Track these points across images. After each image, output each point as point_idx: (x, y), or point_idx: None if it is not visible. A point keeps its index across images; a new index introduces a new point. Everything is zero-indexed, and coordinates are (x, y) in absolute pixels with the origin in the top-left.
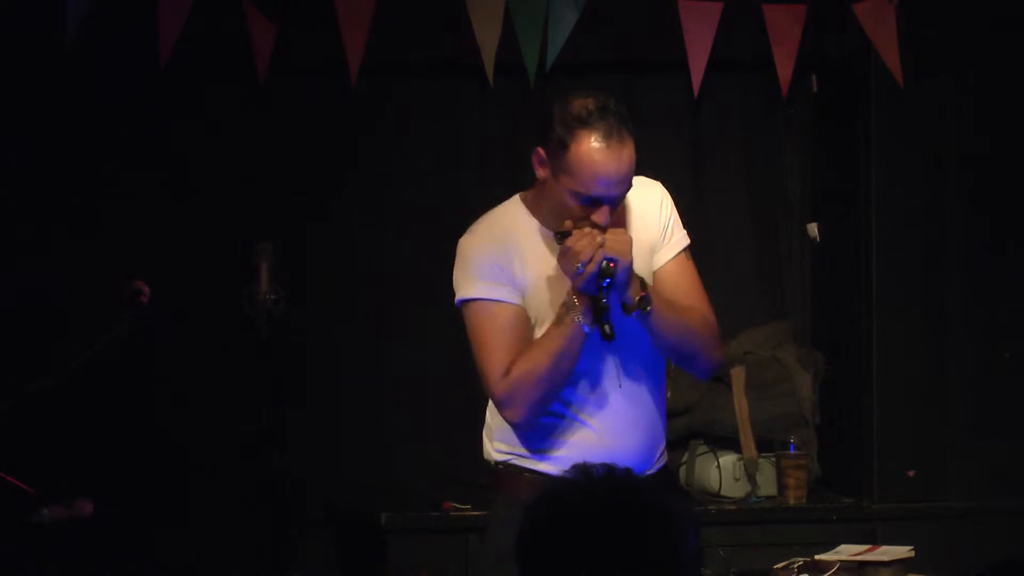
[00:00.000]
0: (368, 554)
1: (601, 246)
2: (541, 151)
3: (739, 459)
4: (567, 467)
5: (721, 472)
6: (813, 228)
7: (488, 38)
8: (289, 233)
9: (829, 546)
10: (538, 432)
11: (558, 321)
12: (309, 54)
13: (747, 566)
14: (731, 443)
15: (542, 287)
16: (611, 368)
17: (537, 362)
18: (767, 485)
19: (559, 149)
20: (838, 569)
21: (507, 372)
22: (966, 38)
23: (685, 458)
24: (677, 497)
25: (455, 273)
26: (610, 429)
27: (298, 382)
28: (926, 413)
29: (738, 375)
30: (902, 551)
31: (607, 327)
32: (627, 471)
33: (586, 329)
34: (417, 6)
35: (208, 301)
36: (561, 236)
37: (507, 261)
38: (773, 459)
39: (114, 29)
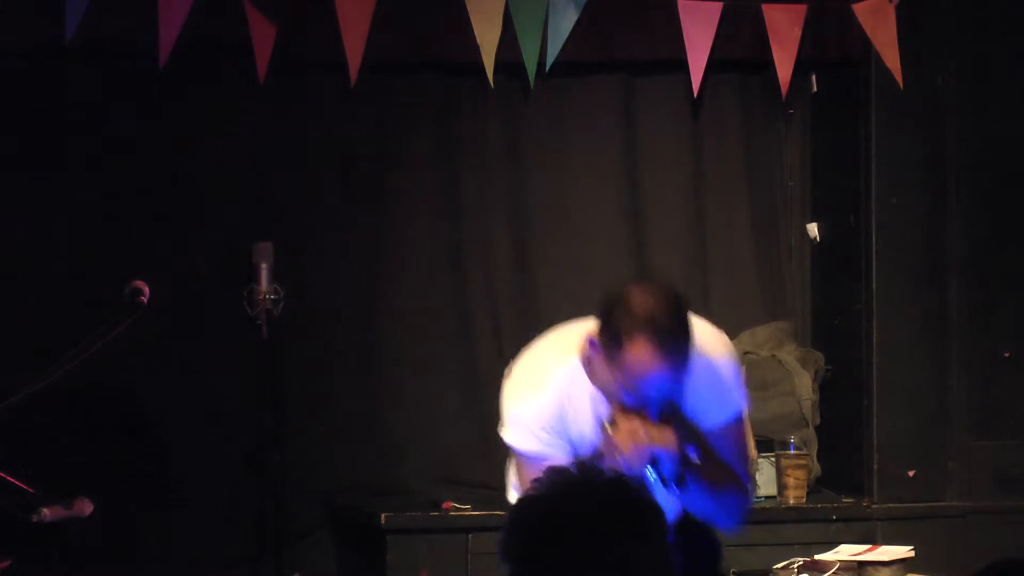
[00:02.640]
0: (368, 554)
1: (645, 442)
2: (596, 335)
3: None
4: None
5: None
6: (813, 228)
7: (488, 38)
8: (289, 233)
9: (829, 546)
10: None
11: None
12: (309, 54)
13: (747, 566)
14: None
15: (588, 440)
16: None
17: None
18: (767, 485)
19: (614, 343)
20: (838, 569)
21: None
22: (966, 38)
23: None
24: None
25: (504, 413)
26: None
27: (298, 382)
28: (926, 413)
29: None
30: (902, 551)
31: (670, 489)
32: (600, 469)
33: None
34: (417, 6)
35: (208, 301)
36: (608, 423)
37: (558, 423)
38: (773, 459)
39: (113, 29)
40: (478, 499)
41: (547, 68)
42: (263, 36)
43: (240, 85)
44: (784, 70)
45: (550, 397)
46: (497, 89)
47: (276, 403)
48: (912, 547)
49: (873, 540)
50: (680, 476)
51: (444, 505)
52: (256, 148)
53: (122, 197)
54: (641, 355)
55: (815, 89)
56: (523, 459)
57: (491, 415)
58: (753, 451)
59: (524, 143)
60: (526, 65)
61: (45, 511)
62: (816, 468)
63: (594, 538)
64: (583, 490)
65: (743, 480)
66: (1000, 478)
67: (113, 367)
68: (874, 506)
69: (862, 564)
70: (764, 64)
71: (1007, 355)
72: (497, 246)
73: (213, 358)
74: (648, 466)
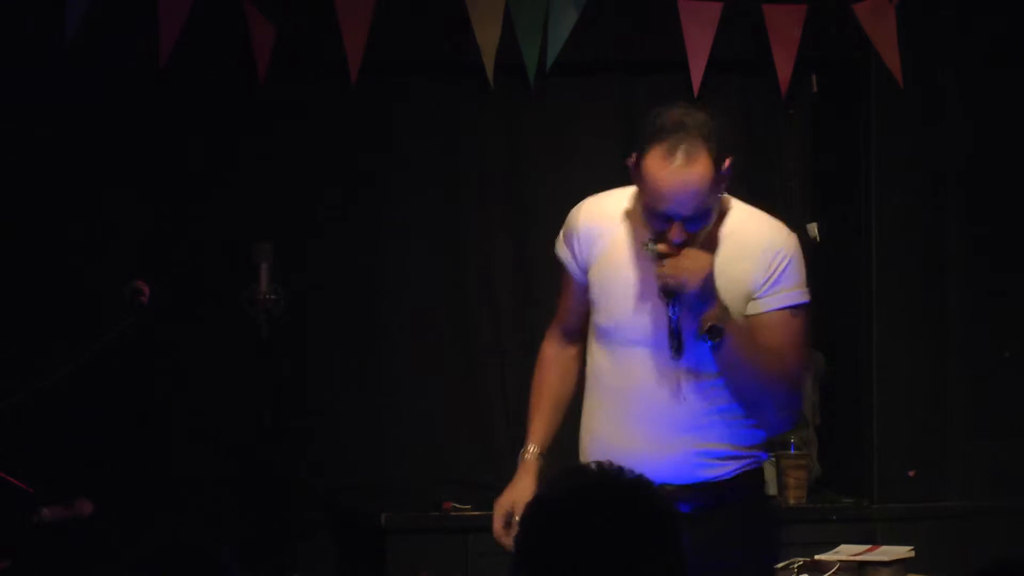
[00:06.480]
0: (368, 554)
1: (669, 270)
2: (632, 158)
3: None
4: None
5: None
6: (813, 228)
7: (488, 38)
8: (289, 233)
9: (829, 546)
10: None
11: None
12: (309, 54)
13: None
14: None
15: (611, 275)
16: (678, 373)
17: None
18: (767, 485)
19: (637, 160)
20: (838, 569)
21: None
22: (965, 38)
23: None
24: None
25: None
26: (652, 426)
27: (298, 382)
28: (926, 413)
29: None
30: (902, 551)
31: (675, 343)
32: (619, 469)
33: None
34: (417, 6)
35: (208, 301)
36: (650, 243)
37: (587, 239)
38: (773, 459)
39: (114, 29)
40: (478, 499)
41: (547, 68)
42: (263, 36)
43: (241, 85)
44: (784, 70)
45: (597, 211)
46: (497, 89)
47: (276, 402)
48: (912, 547)
49: (873, 540)
50: (711, 327)
51: (444, 505)
52: (256, 148)
53: (122, 197)
54: (652, 164)
55: (815, 89)
56: (561, 277)
57: (491, 415)
58: (808, 355)
59: (524, 143)
60: (526, 65)
61: (45, 511)
62: (816, 468)
63: (607, 543)
64: (599, 492)
65: (793, 372)
66: (1000, 478)
67: (113, 367)
68: (874, 506)
69: (862, 564)
70: (764, 64)
71: (1007, 355)
72: (497, 246)
73: (213, 358)
74: (672, 302)
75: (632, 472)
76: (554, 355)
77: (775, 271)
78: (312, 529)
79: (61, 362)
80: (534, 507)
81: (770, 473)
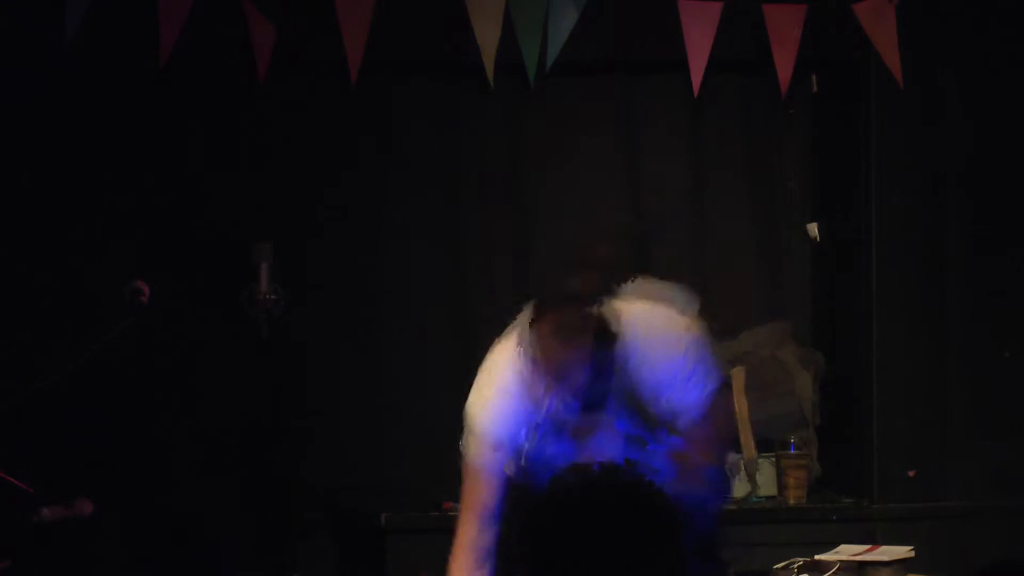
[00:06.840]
0: (368, 554)
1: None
2: (531, 313)
3: (739, 459)
4: None
5: None
6: (813, 228)
7: (488, 38)
8: (289, 233)
9: (829, 546)
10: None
11: None
12: (309, 54)
13: (747, 566)
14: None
15: (539, 447)
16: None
17: None
18: (767, 485)
19: (532, 322)
20: (838, 569)
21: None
22: (966, 38)
23: None
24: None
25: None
26: None
27: (298, 382)
28: (926, 413)
29: (738, 375)
30: (902, 551)
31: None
32: (620, 469)
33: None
34: (417, 6)
35: (208, 301)
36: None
37: (510, 430)
38: (773, 459)
39: (114, 29)
40: None
41: (547, 68)
42: (263, 36)
43: (240, 85)
44: (784, 70)
45: (503, 399)
46: (497, 89)
47: (276, 402)
48: (912, 547)
49: (873, 540)
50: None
51: (444, 505)
52: (256, 148)
53: (122, 197)
54: (535, 347)
55: (815, 89)
56: (468, 480)
57: None
58: (737, 423)
59: (524, 143)
60: (526, 65)
61: (45, 511)
62: (816, 468)
63: (607, 543)
64: (599, 492)
65: (720, 456)
66: (1000, 478)
67: (113, 367)
68: (874, 506)
69: (862, 564)
70: (764, 64)
71: (1007, 355)
72: (497, 246)
73: (213, 358)
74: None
75: (633, 472)
76: (475, 541)
77: (687, 371)
78: (312, 529)
79: (61, 362)
80: (534, 507)
81: (770, 473)
